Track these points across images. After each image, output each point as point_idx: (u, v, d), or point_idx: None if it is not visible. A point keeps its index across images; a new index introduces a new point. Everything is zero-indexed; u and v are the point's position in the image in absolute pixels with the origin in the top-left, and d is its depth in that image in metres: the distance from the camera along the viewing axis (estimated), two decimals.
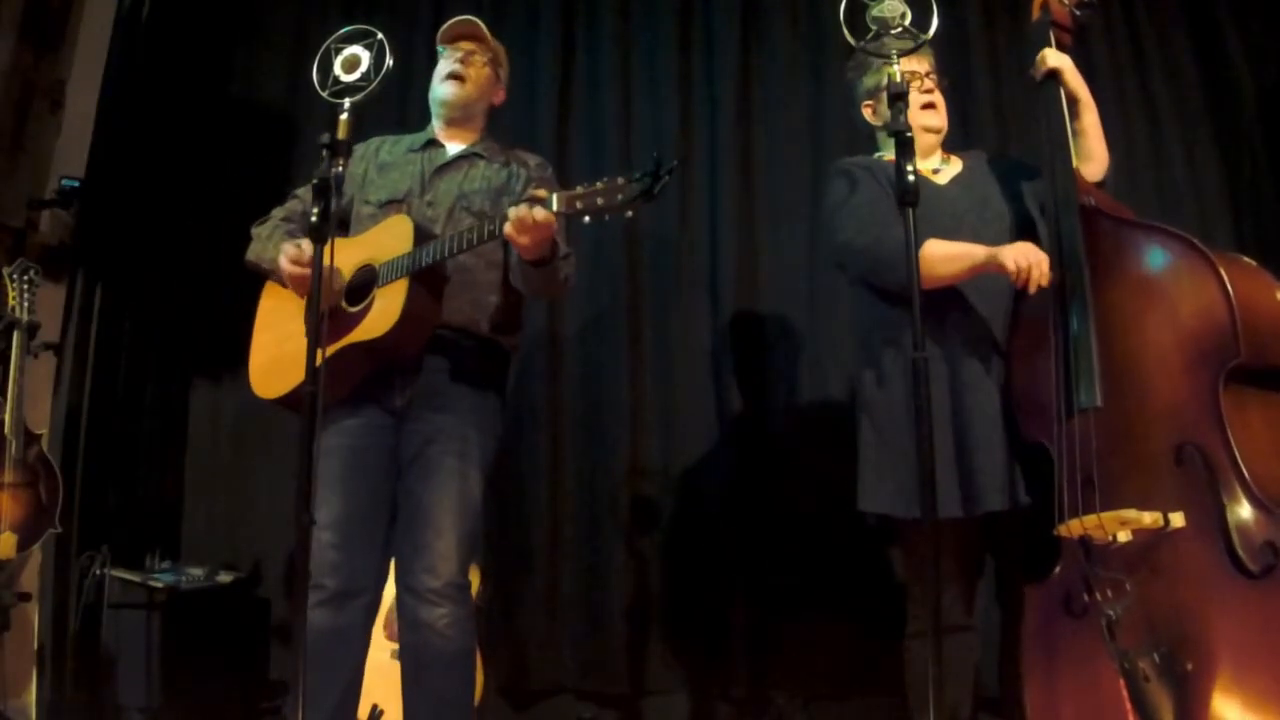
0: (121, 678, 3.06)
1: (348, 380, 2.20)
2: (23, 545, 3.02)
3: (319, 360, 1.78)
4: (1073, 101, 2.21)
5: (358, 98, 1.90)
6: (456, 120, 2.43)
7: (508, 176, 2.39)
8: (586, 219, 1.96)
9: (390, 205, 2.32)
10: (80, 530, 3.34)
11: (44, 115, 3.64)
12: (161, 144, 3.68)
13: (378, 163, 2.41)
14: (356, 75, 1.89)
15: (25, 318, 3.16)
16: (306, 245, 2.17)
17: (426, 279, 2.14)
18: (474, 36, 2.44)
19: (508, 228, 2.01)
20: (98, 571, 3.12)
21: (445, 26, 2.44)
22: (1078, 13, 2.29)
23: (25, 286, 3.19)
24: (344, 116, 1.86)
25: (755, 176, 3.56)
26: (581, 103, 3.68)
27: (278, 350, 2.31)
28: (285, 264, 2.21)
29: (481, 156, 2.41)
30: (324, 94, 1.92)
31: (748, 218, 3.53)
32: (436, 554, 2.16)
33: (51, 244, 3.57)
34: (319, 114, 3.18)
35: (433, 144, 2.42)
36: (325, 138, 1.85)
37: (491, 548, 3.29)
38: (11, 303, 3.17)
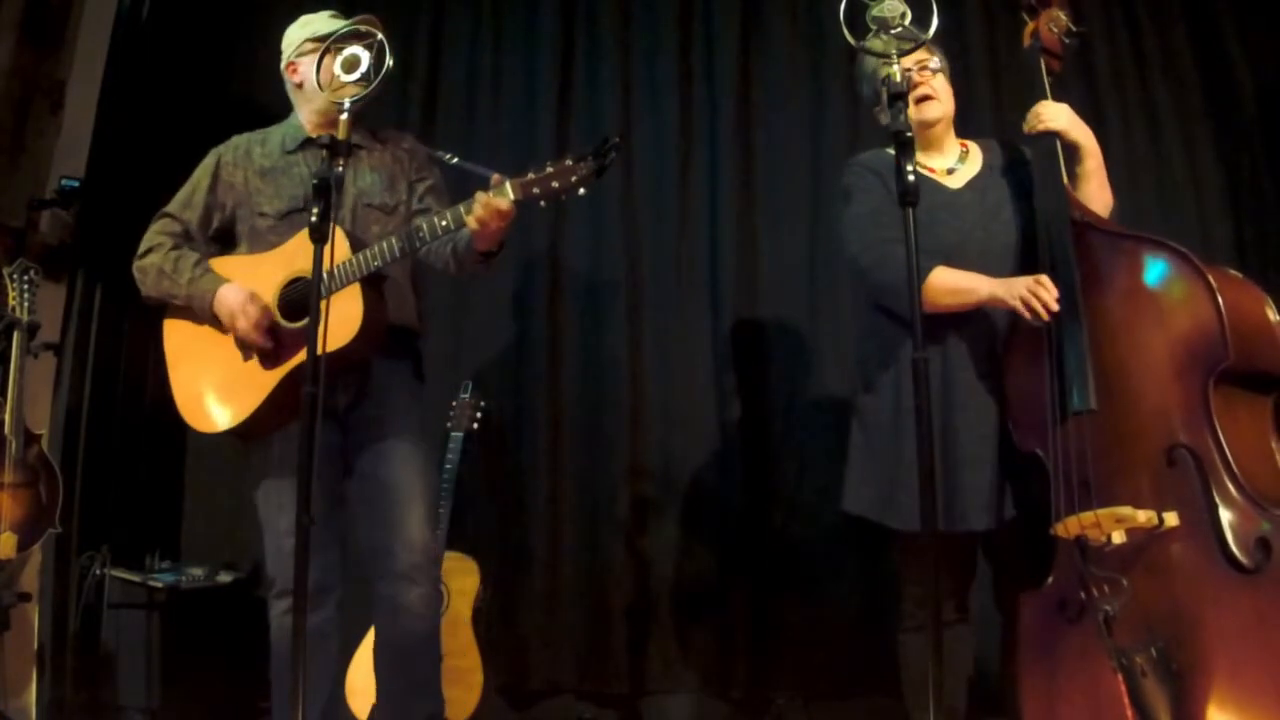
0: (121, 678, 3.06)
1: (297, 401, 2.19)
2: (23, 545, 3.02)
3: (317, 353, 1.78)
4: (1074, 148, 2.19)
5: (358, 98, 1.90)
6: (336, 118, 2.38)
7: (391, 159, 2.38)
8: (542, 203, 2.02)
9: (292, 215, 2.27)
10: (80, 530, 3.33)
11: (44, 115, 3.63)
12: (161, 144, 3.67)
13: (255, 168, 2.34)
14: (356, 75, 1.89)
15: (25, 318, 3.15)
16: (256, 311, 2.15)
17: (375, 282, 2.15)
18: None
19: (474, 218, 2.03)
20: (98, 571, 3.12)
21: (351, 23, 2.17)
22: (1067, 40, 2.28)
23: (25, 286, 3.18)
24: (344, 116, 1.86)
25: (755, 176, 3.56)
26: (581, 104, 3.67)
27: (212, 381, 2.25)
28: (244, 324, 2.15)
29: (360, 146, 2.35)
30: (324, 94, 1.91)
31: (748, 218, 3.53)
32: (413, 529, 2.20)
33: (51, 244, 3.56)
34: None
35: (309, 142, 2.35)
36: (325, 138, 1.84)
37: (491, 548, 3.29)
38: (11, 303, 3.17)
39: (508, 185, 2.02)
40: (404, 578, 2.18)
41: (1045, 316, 2.01)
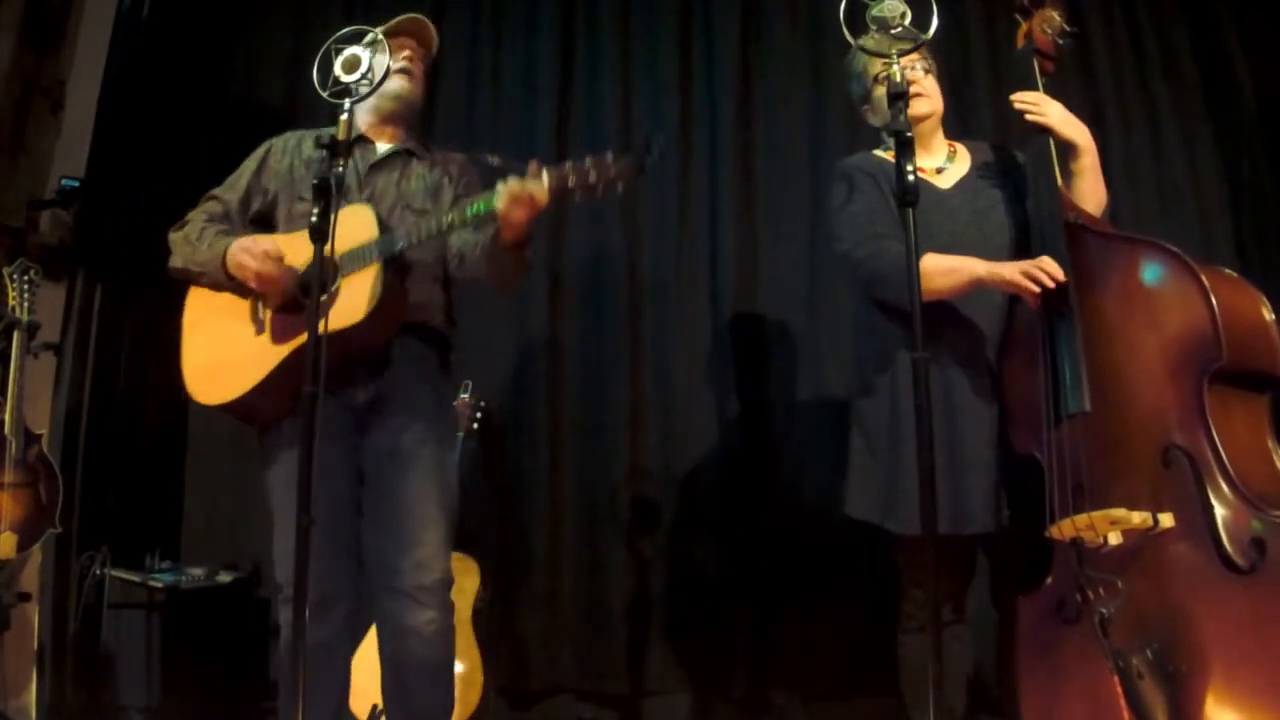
0: (121, 678, 3.06)
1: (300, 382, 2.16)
2: (23, 545, 3.02)
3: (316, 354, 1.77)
4: (1069, 146, 2.19)
5: (358, 98, 1.90)
6: (393, 117, 2.33)
7: (441, 175, 2.33)
8: (578, 196, 1.96)
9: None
10: (80, 530, 3.34)
11: (44, 115, 3.63)
12: (161, 144, 3.68)
13: (304, 158, 2.30)
14: (357, 75, 1.89)
15: (25, 318, 3.16)
16: (268, 242, 2.13)
17: (395, 265, 2.10)
18: (423, 40, 2.36)
19: (501, 202, 1.97)
20: (98, 571, 3.13)
21: (398, 21, 2.29)
22: (1060, 41, 2.28)
23: (25, 286, 3.18)
24: (344, 117, 1.85)
25: (755, 176, 3.56)
26: (581, 102, 3.68)
27: (221, 353, 2.21)
28: (252, 262, 2.12)
29: (414, 154, 2.34)
30: (324, 94, 1.91)
31: (748, 218, 3.53)
32: (427, 549, 2.10)
33: (51, 244, 3.56)
34: (319, 114, 3.18)
35: (361, 139, 2.31)
36: (325, 138, 1.84)
37: (491, 548, 3.29)
38: (11, 303, 3.17)
39: (545, 172, 1.97)
40: (409, 597, 2.08)
41: (1050, 285, 2.00)
